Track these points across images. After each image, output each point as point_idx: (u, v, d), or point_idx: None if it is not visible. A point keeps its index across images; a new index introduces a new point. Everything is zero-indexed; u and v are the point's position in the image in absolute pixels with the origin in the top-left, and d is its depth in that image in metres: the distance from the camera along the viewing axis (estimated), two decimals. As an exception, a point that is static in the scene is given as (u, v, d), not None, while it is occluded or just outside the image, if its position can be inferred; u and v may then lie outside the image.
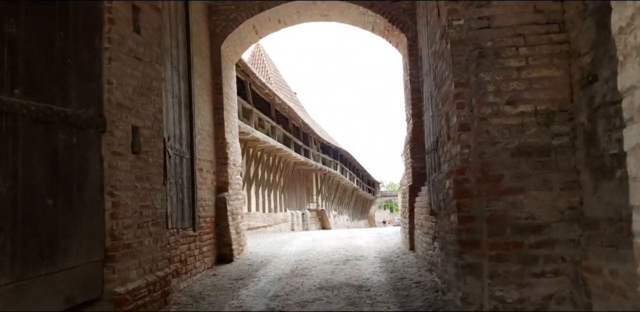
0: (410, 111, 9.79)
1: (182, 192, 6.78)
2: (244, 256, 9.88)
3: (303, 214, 34.77)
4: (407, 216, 9.64)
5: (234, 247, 9.55)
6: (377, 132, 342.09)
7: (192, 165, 7.45)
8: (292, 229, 32.21)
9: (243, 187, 23.91)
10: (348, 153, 48.26)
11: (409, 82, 9.86)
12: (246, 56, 33.37)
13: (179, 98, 6.90)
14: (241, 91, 21.76)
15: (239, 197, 10.53)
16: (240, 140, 22.74)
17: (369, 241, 11.49)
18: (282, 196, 30.53)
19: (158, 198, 5.68)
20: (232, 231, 9.64)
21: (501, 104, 4.20)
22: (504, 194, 4.08)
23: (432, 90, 6.08)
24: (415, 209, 9.22)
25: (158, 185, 5.71)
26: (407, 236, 9.62)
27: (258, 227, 24.94)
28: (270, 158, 27.18)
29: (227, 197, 9.59)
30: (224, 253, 9.40)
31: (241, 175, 11.05)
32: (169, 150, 6.15)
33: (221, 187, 9.72)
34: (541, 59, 4.18)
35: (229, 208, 9.60)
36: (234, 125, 10.72)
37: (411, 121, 9.78)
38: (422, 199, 8.65)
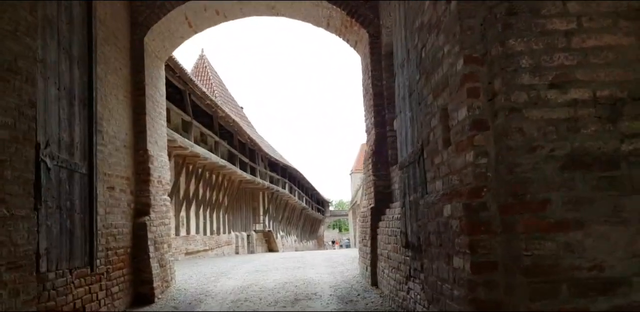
0: (372, 120, 8.30)
1: (70, 220, 4.96)
2: (170, 295, 8.02)
3: (249, 235, 32.72)
4: (369, 244, 8.07)
5: (156, 284, 7.68)
6: (326, 148, 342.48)
7: (90, 182, 5.63)
8: (237, 252, 30.11)
9: (181, 207, 21.88)
10: (297, 171, 46.62)
11: (370, 86, 8.39)
12: (188, 67, 31.50)
13: (70, 91, 5.11)
14: (180, 102, 19.88)
15: (164, 221, 8.68)
16: (178, 156, 20.79)
17: (322, 273, 9.83)
18: (226, 216, 28.49)
19: (21, 230, 3.87)
20: (155, 264, 7.78)
21: (542, 88, 2.70)
22: (553, 230, 2.56)
23: (413, 84, 4.57)
24: (379, 237, 7.65)
25: (22, 211, 3.90)
26: (369, 269, 8.03)
27: (198, 252, 22.82)
28: (213, 176, 25.20)
29: (148, 223, 7.75)
30: (143, 292, 7.52)
31: (169, 194, 9.22)
32: (47, 160, 4.34)
33: (141, 210, 7.87)
34: (601, 20, 2.72)
35: (150, 236, 7.76)
36: (160, 135, 8.93)
37: (373, 131, 8.28)
38: (387, 224, 7.10)
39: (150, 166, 8.09)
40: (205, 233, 24.33)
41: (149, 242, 7.71)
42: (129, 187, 7.60)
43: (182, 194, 20.76)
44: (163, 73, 9.48)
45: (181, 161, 19.88)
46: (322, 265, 11.26)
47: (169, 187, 9.13)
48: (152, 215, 8.01)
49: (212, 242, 25.04)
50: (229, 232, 28.93)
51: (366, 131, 9.10)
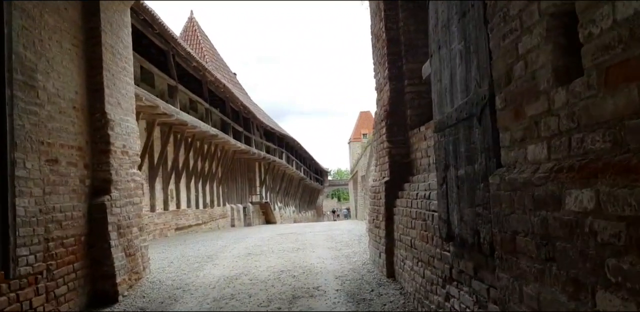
0: (386, 73, 6.67)
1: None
2: (139, 290, 6.56)
3: (245, 208, 31.37)
4: (382, 226, 6.56)
5: (120, 279, 6.21)
6: (323, 117, 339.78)
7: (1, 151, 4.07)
8: (233, 225, 28.80)
9: (169, 180, 20.32)
10: (294, 140, 45.03)
11: (383, 30, 6.72)
12: (177, 31, 29.49)
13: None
14: (164, 65, 18.12)
15: (133, 200, 7.15)
16: (164, 125, 19.12)
17: (325, 257, 8.36)
18: (221, 188, 27.04)
19: None
20: (118, 253, 6.29)
21: None
22: None
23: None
24: (397, 218, 6.14)
25: None
26: (382, 256, 6.56)
27: (190, 226, 21.42)
28: (205, 146, 23.60)
29: (109, 203, 6.21)
30: (103, 290, 6.06)
31: (140, 167, 7.67)
32: None
33: (100, 187, 6.33)
34: None
35: (112, 219, 6.24)
36: (125, 95, 7.30)
37: (387, 87, 6.66)
38: (409, 203, 5.58)
39: (111, 132, 6.50)
40: (197, 206, 22.92)
41: (110, 228, 6.19)
42: (81, 160, 6.03)
43: (170, 165, 19.23)
44: (128, 20, 7.77)
45: (167, 130, 18.25)
46: (324, 246, 9.81)
47: (138, 159, 7.56)
48: (115, 193, 6.47)
49: (206, 216, 23.67)
50: (224, 205, 27.55)
51: (376, 89, 7.48)
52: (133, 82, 7.78)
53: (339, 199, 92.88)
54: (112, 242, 6.16)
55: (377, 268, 6.91)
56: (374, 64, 7.55)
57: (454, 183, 3.46)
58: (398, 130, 6.53)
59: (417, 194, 5.35)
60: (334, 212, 66.21)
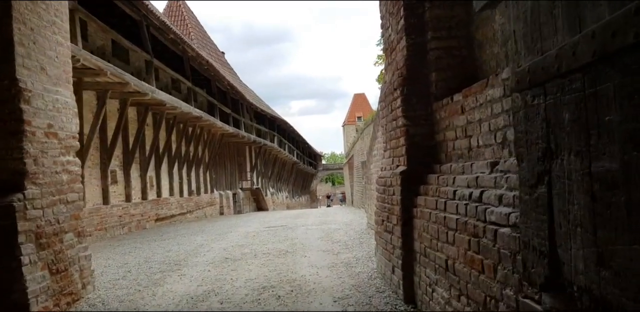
0: (402, 24, 4.90)
1: None
2: (71, 320, 4.87)
3: (235, 194, 29.68)
4: (397, 233, 4.87)
5: (39, 307, 4.51)
6: (316, 101, 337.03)
7: None
8: (222, 213, 27.11)
9: (148, 166, 18.43)
10: (286, 123, 43.23)
11: (396, -34, 4.94)
12: (160, 7, 27.36)
13: None
14: (135, 36, 16.19)
15: (66, 198, 5.41)
16: (140, 105, 17.25)
17: (319, 265, 6.62)
18: (208, 174, 25.30)
19: None
20: (36, 273, 4.58)
21: None
22: None
23: None
24: (418, 222, 4.44)
25: None
26: (397, 272, 4.88)
27: (173, 216, 19.68)
28: (190, 129, 21.76)
29: (20, 205, 4.48)
30: (13, 324, 4.35)
31: (80, 155, 5.95)
32: None
33: (8, 183, 4.59)
34: None
35: (25, 227, 4.51)
36: (55, 59, 5.51)
37: (403, 43, 4.90)
38: (440, 204, 3.90)
39: (25, 106, 4.73)
40: (181, 194, 21.20)
41: (22, 238, 4.47)
42: (-25, 144, 4.28)
43: (149, 150, 17.44)
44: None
45: (144, 111, 16.41)
46: (317, 247, 8.11)
47: (75, 143, 5.80)
48: (33, 190, 4.73)
49: (191, 204, 21.97)
50: (212, 192, 25.85)
51: (386, 49, 5.73)
52: (69, 42, 5.97)
53: (333, 184, 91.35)
54: (25, 259, 4.44)
55: (389, 286, 5.23)
56: (382, 17, 5.79)
57: (576, 187, 1.74)
58: (418, 102, 4.80)
59: (454, 192, 3.65)
60: (328, 197, 64.69)
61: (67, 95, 5.72)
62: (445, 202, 3.77)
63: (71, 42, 10.74)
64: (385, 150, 5.91)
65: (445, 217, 3.70)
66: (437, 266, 3.90)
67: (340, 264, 6.55)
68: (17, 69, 4.70)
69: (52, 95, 5.32)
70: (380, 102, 6.08)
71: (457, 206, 3.50)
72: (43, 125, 5.05)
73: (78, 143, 5.91)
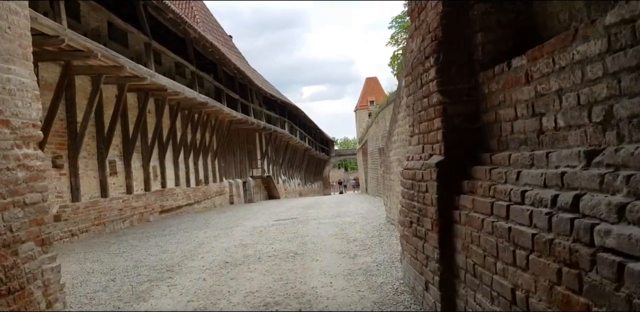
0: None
1: None
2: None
3: (245, 182, 28.75)
4: (434, 241, 3.81)
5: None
6: (328, 86, 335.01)
7: None
8: (232, 202, 26.21)
9: (150, 155, 17.40)
10: (297, 109, 42.12)
11: None
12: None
13: None
14: (134, 18, 15.13)
15: (26, 199, 4.41)
16: (140, 90, 16.19)
17: (333, 273, 5.53)
18: (216, 162, 24.35)
19: None
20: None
21: None
22: None
23: None
24: (462, 230, 3.37)
25: None
26: (433, 290, 3.83)
27: (179, 208, 18.76)
28: (195, 115, 20.74)
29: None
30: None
31: (38, 147, 4.93)
32: None
33: None
34: None
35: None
36: (7, 30, 4.47)
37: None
38: (496, 208, 2.83)
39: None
40: (188, 184, 20.29)
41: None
42: None
43: (151, 138, 16.47)
44: None
45: (144, 97, 15.41)
46: (331, 248, 7.06)
47: (36, 133, 4.78)
48: (-30, 192, 3.73)
49: (199, 194, 21.07)
50: (221, 181, 24.94)
51: (412, 10, 4.61)
52: (27, 11, 4.91)
53: (346, 169, 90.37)
54: (-44, 282, 3.45)
55: (420, 305, 4.18)
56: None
57: None
58: (458, 73, 3.71)
59: (523, 193, 2.58)
60: (340, 183, 63.68)
61: (23, 74, 4.68)
62: (508, 207, 2.71)
63: (55, 20, 9.78)
64: (412, 136, 4.83)
65: (510, 228, 2.63)
66: (495, 293, 2.85)
67: (358, 272, 5.52)
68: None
69: (0, 74, 4.29)
70: (405, 76, 4.98)
71: (530, 215, 2.44)
72: (-18, 110, 4.03)
73: (40, 133, 4.88)
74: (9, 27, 4.52)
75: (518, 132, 3.03)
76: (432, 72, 3.88)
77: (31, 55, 4.91)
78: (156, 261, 7.09)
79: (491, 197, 3.02)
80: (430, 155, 4.09)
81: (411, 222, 4.52)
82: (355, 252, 6.52)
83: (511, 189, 2.75)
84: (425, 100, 4.14)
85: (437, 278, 3.74)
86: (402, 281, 4.95)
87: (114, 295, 5.33)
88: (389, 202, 8.71)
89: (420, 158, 4.36)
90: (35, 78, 4.93)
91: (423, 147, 4.33)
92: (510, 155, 3.02)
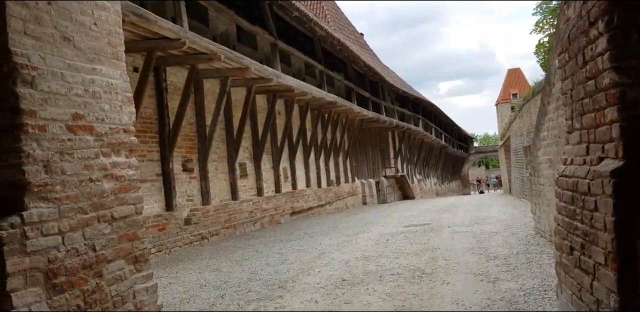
0: None
1: None
2: None
3: (378, 182, 28.00)
4: (609, 281, 2.71)
5: None
6: (466, 80, 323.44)
7: None
8: (364, 203, 25.60)
9: (280, 157, 17.17)
10: (432, 105, 40.45)
11: None
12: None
13: None
14: (260, 18, 15.01)
15: (111, 214, 4.00)
16: (268, 91, 15.98)
17: (470, 303, 4.53)
18: (348, 162, 23.88)
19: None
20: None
21: None
22: None
23: None
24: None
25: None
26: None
27: (310, 209, 18.50)
28: (326, 115, 20.38)
29: (15, 233, 3.10)
30: None
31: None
32: None
33: (3, 200, 3.22)
34: None
35: (18, 266, 3.11)
36: (86, 24, 4.09)
37: None
38: None
39: (24, 91, 3.34)
40: (319, 185, 19.99)
41: (16, 283, 3.08)
42: None
43: (280, 139, 16.32)
44: None
45: (272, 98, 15.26)
46: (466, 266, 5.93)
47: (127, 139, 4.39)
48: (42, 209, 3.34)
49: (330, 195, 20.71)
50: (353, 181, 24.43)
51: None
52: (119, 8, 4.54)
53: (487, 167, 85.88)
54: (21, 312, 3.05)
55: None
56: None
57: None
58: (644, 41, 2.55)
59: None
60: (480, 182, 60.44)
61: (112, 75, 4.29)
62: None
63: (175, 22, 9.75)
64: (570, 132, 3.67)
65: None
66: None
67: (499, 303, 4.42)
68: (11, 36, 3.31)
69: (82, 75, 3.91)
70: (559, 54, 3.82)
71: None
72: (63, 117, 3.64)
73: (134, 139, 4.49)
74: (95, 24, 4.12)
75: None
76: (602, 43, 2.75)
77: (123, 54, 4.51)
78: (271, 274, 6.54)
79: None
80: (600, 158, 2.95)
81: (572, 249, 3.38)
82: (497, 275, 5.39)
83: None
84: (591, 82, 3.00)
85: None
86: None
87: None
88: (538, 210, 7.37)
89: (584, 162, 3.22)
90: (128, 79, 4.53)
91: (588, 147, 3.19)
92: None
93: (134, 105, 4.56)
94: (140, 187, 4.50)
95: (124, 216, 4.19)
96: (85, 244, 3.68)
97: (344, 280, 5.78)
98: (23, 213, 3.20)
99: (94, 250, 3.76)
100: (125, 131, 4.36)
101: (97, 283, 3.73)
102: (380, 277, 5.75)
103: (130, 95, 4.54)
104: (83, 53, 3.97)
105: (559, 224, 3.79)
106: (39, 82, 3.46)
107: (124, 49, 4.54)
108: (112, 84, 4.26)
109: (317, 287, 5.57)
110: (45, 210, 3.36)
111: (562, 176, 3.70)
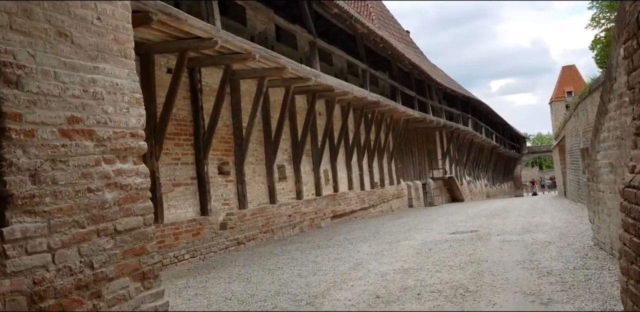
0: None
1: None
2: None
3: (424, 184, 27.16)
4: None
5: None
6: (518, 78, 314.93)
7: None
8: (410, 206, 24.85)
9: (320, 159, 16.67)
10: (482, 103, 39.14)
11: None
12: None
13: None
14: (299, 17, 14.63)
15: (114, 226, 3.64)
16: (307, 91, 15.57)
17: None
18: (393, 164, 23.22)
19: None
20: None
21: None
22: None
23: None
24: None
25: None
26: None
27: (353, 212, 17.97)
28: (369, 115, 19.81)
29: (-6, 250, 2.76)
30: None
31: (136, 162, 4.17)
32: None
33: (-19, 214, 2.90)
34: None
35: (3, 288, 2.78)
36: (88, 19, 3.75)
37: None
38: None
39: (8, 92, 3.02)
40: (362, 187, 19.44)
41: (-6, 307, 2.75)
42: None
43: (321, 141, 15.89)
44: None
45: (312, 98, 14.84)
46: (515, 285, 5.27)
47: (135, 144, 4.03)
48: (27, 224, 3.00)
49: (374, 198, 20.12)
50: (398, 183, 23.74)
51: None
52: (127, 3, 4.19)
53: (540, 168, 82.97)
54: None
55: None
56: None
57: None
58: None
59: None
60: (532, 183, 58.26)
61: (118, 74, 3.94)
62: None
63: (207, 21, 9.46)
64: (638, 133, 3.06)
65: None
66: None
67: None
68: (-10, 30, 2.98)
69: (81, 74, 3.57)
70: (625, 41, 3.22)
71: None
72: (55, 120, 3.31)
73: (143, 144, 4.13)
74: (98, 18, 3.78)
75: None
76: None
77: (132, 51, 4.16)
78: (301, 287, 6.10)
79: None
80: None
81: (638, 271, 2.78)
82: (550, 295, 4.75)
83: None
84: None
85: None
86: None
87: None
88: (597, 219, 6.63)
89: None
90: (137, 79, 4.17)
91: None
92: None
93: (143, 107, 4.21)
94: (150, 196, 4.14)
95: (130, 228, 3.83)
96: (80, 262, 3.33)
97: (378, 297, 5.26)
98: (3, 229, 2.86)
99: (92, 268, 3.41)
100: (132, 135, 4.01)
101: (94, 305, 3.38)
102: (418, 294, 5.20)
103: (140, 96, 4.18)
104: (83, 50, 3.64)
105: (625, 244, 3.18)
106: (26, 81, 3.13)
107: (133, 45, 4.20)
108: (117, 84, 3.92)
109: (347, 305, 5.08)
110: (31, 225, 3.02)
111: (629, 186, 3.09)
